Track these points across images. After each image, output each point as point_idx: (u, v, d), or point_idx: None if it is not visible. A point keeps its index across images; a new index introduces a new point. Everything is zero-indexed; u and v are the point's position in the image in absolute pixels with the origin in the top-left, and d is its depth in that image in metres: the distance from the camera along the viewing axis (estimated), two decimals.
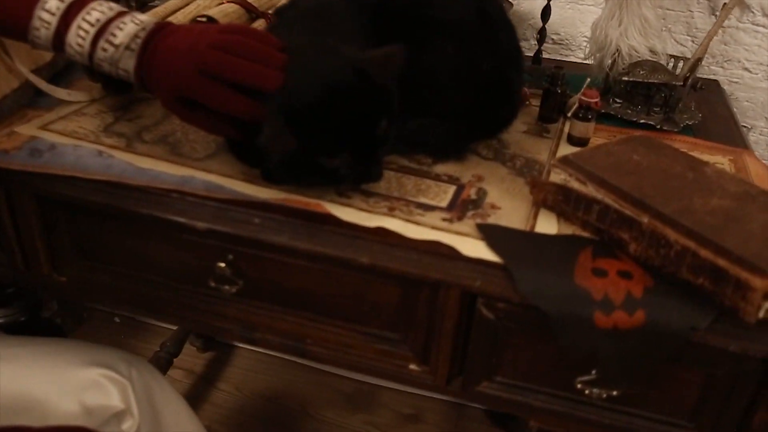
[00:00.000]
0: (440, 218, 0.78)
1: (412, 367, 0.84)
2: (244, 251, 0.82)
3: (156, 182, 0.81)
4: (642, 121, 1.03)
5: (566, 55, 1.35)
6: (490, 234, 0.75)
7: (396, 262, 0.74)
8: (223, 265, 0.83)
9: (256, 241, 0.78)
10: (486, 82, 0.86)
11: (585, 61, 1.21)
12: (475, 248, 0.73)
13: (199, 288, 0.87)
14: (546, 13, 1.16)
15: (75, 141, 0.89)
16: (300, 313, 0.86)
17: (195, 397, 1.81)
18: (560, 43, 1.35)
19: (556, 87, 1.00)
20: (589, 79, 0.99)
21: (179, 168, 0.84)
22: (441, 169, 0.88)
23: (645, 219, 0.69)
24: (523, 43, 1.29)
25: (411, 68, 0.74)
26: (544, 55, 1.30)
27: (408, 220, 0.77)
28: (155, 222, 0.81)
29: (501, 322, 0.75)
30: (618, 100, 1.06)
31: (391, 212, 0.78)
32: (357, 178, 0.77)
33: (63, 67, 1.06)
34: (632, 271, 0.70)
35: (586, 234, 0.76)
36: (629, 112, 1.05)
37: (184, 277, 0.89)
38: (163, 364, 1.61)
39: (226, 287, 0.85)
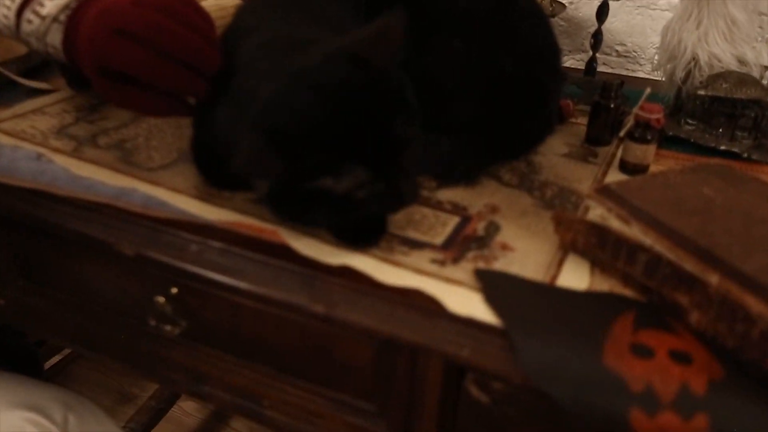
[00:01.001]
0: (429, 259, 0.58)
1: None
2: (190, 284, 0.66)
3: (87, 194, 0.67)
4: (723, 147, 0.80)
5: (633, 70, 1.12)
6: (492, 284, 0.55)
7: (359, 314, 0.55)
8: (162, 300, 0.67)
9: (195, 274, 0.61)
10: (508, 87, 0.66)
11: (654, 77, 0.98)
12: (467, 303, 0.53)
13: (142, 325, 0.71)
14: (603, 11, 0.95)
15: (18, 142, 0.76)
16: (256, 367, 0.69)
17: None
18: (626, 56, 1.13)
19: (608, 100, 0.79)
20: (649, 90, 0.77)
21: (122, 178, 0.70)
22: (446, 195, 0.69)
23: (714, 278, 0.47)
24: (579, 56, 1.08)
25: (409, 69, 0.56)
26: (606, 70, 1.09)
27: (384, 260, 0.58)
28: (85, 241, 0.66)
29: (497, 408, 0.54)
30: (691, 121, 0.83)
31: (366, 249, 0.60)
32: (382, 203, 0.56)
33: (39, 63, 0.95)
34: (692, 353, 0.48)
35: (627, 293, 0.54)
36: (706, 136, 0.82)
37: (125, 310, 0.73)
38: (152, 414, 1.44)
39: (168, 327, 0.68)
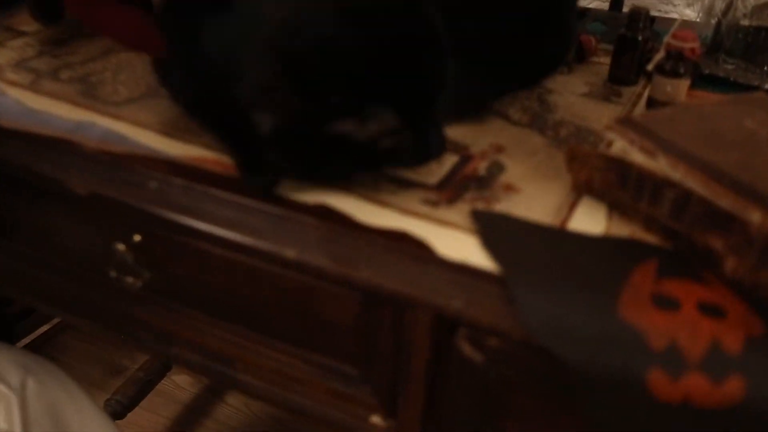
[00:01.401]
0: (420, 199, 0.52)
1: (375, 420, 0.59)
2: (152, 230, 0.61)
3: (40, 127, 0.61)
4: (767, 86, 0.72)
5: (666, 12, 1.04)
6: (490, 226, 0.49)
7: (334, 259, 0.49)
8: (122, 247, 0.62)
9: (155, 216, 0.56)
10: (513, 5, 0.59)
11: (688, 16, 0.90)
12: (460, 247, 0.47)
13: (103, 278, 0.66)
14: None
15: None
16: (228, 326, 0.64)
17: (197, 411, 1.63)
18: None
19: (636, 32, 0.71)
20: (681, 19, 0.69)
21: (82, 112, 0.65)
22: (448, 132, 0.62)
23: (756, 216, 0.41)
24: None
25: None
26: None
27: (368, 198, 0.52)
28: (37, 181, 0.61)
29: (493, 368, 0.48)
30: (731, 60, 0.76)
31: (347, 186, 0.54)
32: (409, 156, 0.51)
33: None
34: (726, 306, 0.42)
35: (650, 238, 0.48)
36: (749, 75, 0.74)
37: (85, 260, 0.68)
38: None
39: (129, 279, 0.63)
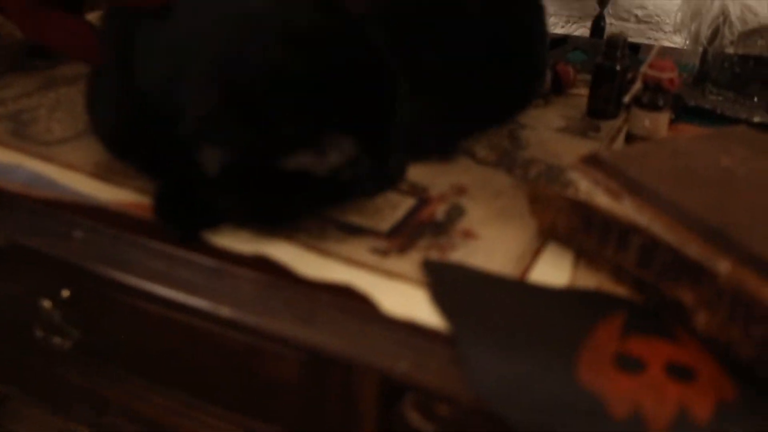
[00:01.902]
0: (369, 248, 0.51)
1: None
2: (81, 284, 0.59)
3: None
4: (757, 119, 0.72)
5: (656, 39, 1.05)
6: (443, 278, 0.48)
7: (273, 317, 0.48)
8: (48, 304, 0.60)
9: (81, 268, 0.55)
10: (478, 28, 0.59)
11: (677, 44, 0.91)
12: (408, 302, 0.46)
13: (30, 338, 0.64)
14: None
15: None
16: (166, 391, 0.62)
17: None
18: (647, 21, 1.05)
19: (614, 61, 0.71)
20: (660, 45, 0.70)
21: (9, 153, 0.64)
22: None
23: (724, 265, 0.40)
24: (589, 22, 1.02)
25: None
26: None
27: (312, 247, 0.51)
28: None
29: None
30: (718, 91, 0.76)
31: (290, 233, 0.53)
32: (370, 184, 0.50)
33: None
34: (696, 367, 0.41)
35: (619, 291, 0.47)
36: (737, 106, 0.74)
37: (11, 321, 0.67)
38: None
39: (57, 339, 0.61)
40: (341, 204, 0.53)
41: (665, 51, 0.81)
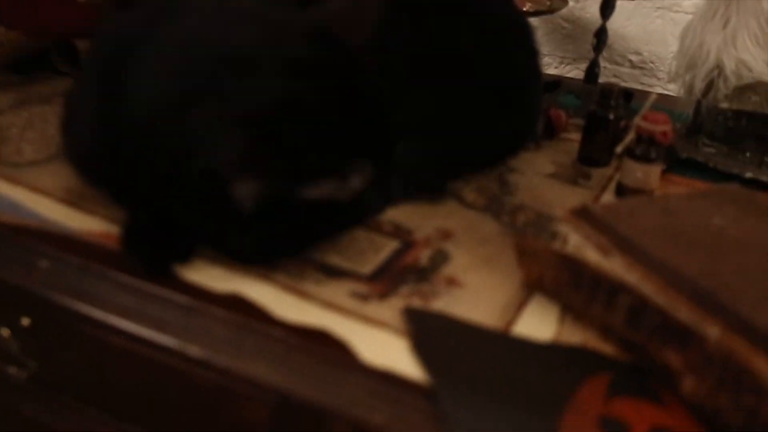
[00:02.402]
0: (348, 292, 0.52)
1: None
2: (45, 314, 0.58)
3: None
4: (749, 175, 0.74)
5: (650, 86, 1.07)
6: (424, 328, 0.48)
7: (245, 359, 0.48)
8: (6, 332, 0.59)
9: (44, 299, 0.54)
10: (471, 72, 0.60)
11: (672, 93, 0.93)
12: (387, 351, 0.47)
13: None
14: (608, 5, 0.89)
15: None
16: (127, 428, 0.60)
17: None
18: (641, 67, 1.08)
19: (607, 110, 0.73)
20: (655, 96, 0.71)
21: None
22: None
23: (714, 331, 0.41)
24: (585, 65, 1.04)
25: None
26: (618, 83, 1.03)
27: (289, 288, 0.51)
28: None
29: None
30: (712, 142, 0.77)
31: (268, 272, 0.53)
32: (378, 204, 0.57)
33: None
34: None
35: (606, 349, 0.47)
36: (729, 161, 0.76)
37: None
38: None
39: (13, 369, 0.60)
40: (358, 225, 0.57)
41: (660, 100, 0.82)
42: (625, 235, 0.49)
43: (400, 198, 0.60)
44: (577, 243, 0.50)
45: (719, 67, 0.78)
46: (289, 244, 0.53)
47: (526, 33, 0.68)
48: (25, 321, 0.59)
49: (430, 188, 0.64)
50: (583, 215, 0.51)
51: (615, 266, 0.46)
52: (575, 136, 0.81)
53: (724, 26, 0.79)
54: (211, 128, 0.46)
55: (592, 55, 1.03)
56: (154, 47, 0.51)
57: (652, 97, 0.71)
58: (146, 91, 0.50)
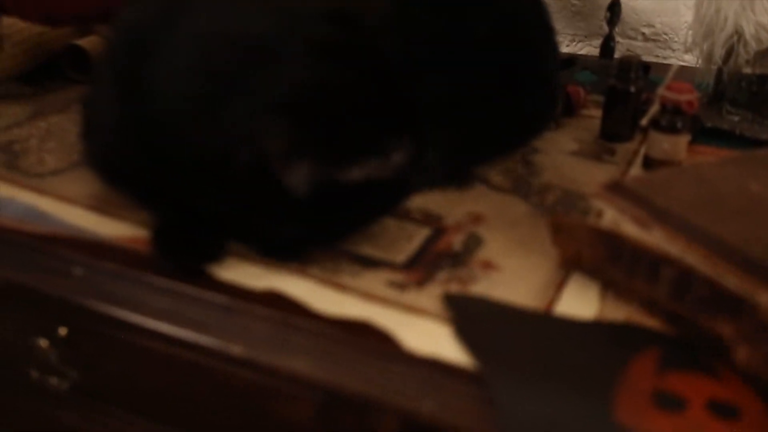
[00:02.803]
0: (385, 282, 0.51)
1: None
2: (81, 323, 0.58)
3: None
4: None
5: (665, 57, 1.06)
6: (466, 313, 0.48)
7: (288, 356, 0.47)
8: (45, 343, 0.59)
9: (81, 307, 0.54)
10: (488, 54, 0.59)
11: (688, 63, 0.92)
12: (431, 339, 0.46)
13: (23, 379, 0.63)
14: None
15: None
16: None
17: None
18: (654, 39, 1.06)
19: (627, 83, 0.72)
20: (677, 66, 0.70)
21: (1, 186, 0.64)
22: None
23: (765, 298, 0.40)
24: (597, 41, 1.03)
25: None
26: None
27: (326, 282, 0.51)
28: None
29: None
30: (735, 110, 0.76)
31: (303, 267, 0.52)
32: (418, 176, 0.54)
33: None
34: (740, 404, 0.40)
35: (650, 323, 0.47)
36: (755, 126, 0.75)
37: (5, 361, 0.65)
38: None
39: (54, 380, 0.60)
40: (401, 203, 0.57)
41: (677, 70, 0.81)
42: (663, 206, 0.48)
43: (437, 178, 0.59)
44: (614, 218, 0.49)
45: (738, 33, 0.77)
46: (338, 228, 0.54)
47: (541, 10, 0.67)
48: (63, 330, 0.59)
49: (459, 175, 0.63)
50: (616, 190, 0.51)
51: (656, 238, 0.46)
52: (595, 113, 0.80)
53: None
54: (249, 120, 0.46)
55: (603, 31, 1.02)
56: (174, 44, 0.50)
57: (675, 67, 0.70)
58: (172, 90, 0.49)
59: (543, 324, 0.47)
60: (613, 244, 0.48)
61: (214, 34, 0.50)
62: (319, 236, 0.54)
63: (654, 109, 0.67)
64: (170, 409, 0.60)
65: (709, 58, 0.81)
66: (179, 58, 0.49)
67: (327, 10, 0.50)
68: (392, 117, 0.49)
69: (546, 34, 0.66)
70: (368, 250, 0.55)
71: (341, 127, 0.47)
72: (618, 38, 1.06)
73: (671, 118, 0.65)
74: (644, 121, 0.68)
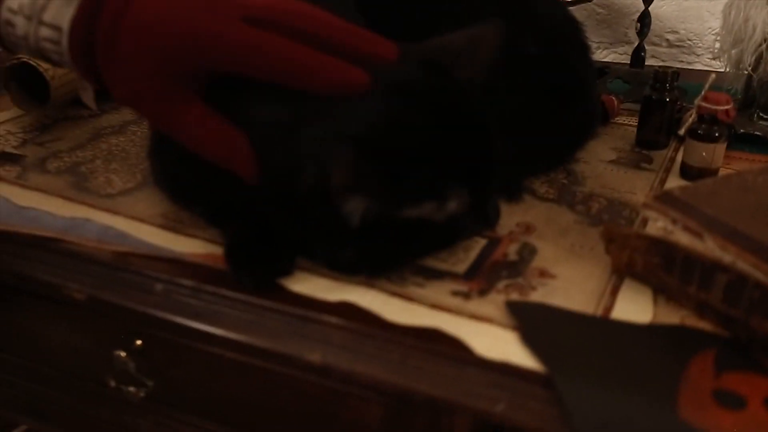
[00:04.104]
0: (450, 291, 0.54)
1: None
2: (156, 334, 0.62)
3: (30, 227, 0.63)
4: None
5: (688, 62, 1.09)
6: (530, 320, 0.50)
7: (364, 363, 0.50)
8: (123, 354, 0.63)
9: (161, 321, 0.57)
10: (533, 74, 0.62)
11: (714, 68, 0.94)
12: (500, 344, 0.49)
13: (100, 388, 0.67)
14: None
15: None
16: None
17: None
18: (679, 45, 1.09)
19: (663, 93, 0.75)
20: (714, 76, 0.73)
21: (75, 207, 0.67)
22: None
23: None
24: (623, 48, 1.05)
25: None
26: (655, 63, 1.05)
27: (394, 293, 0.54)
28: (28, 286, 0.63)
29: None
30: (765, 115, 0.79)
31: (370, 281, 0.55)
32: (473, 227, 0.59)
33: None
34: None
35: (704, 326, 0.50)
36: None
37: (80, 370, 0.69)
38: None
39: (131, 389, 0.64)
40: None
41: (704, 77, 0.84)
42: (712, 214, 0.51)
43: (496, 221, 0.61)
44: (665, 227, 0.52)
45: (766, 40, 0.80)
46: (386, 258, 0.56)
47: (578, 29, 0.71)
48: (138, 342, 0.63)
49: (511, 188, 0.66)
50: (666, 200, 0.54)
51: (709, 246, 0.49)
52: (628, 120, 0.83)
53: None
54: (321, 146, 0.49)
55: (627, 38, 1.05)
56: None
57: (712, 77, 0.72)
58: (257, 114, 0.52)
59: (603, 328, 0.50)
60: (666, 252, 0.51)
61: None
62: (372, 264, 0.56)
63: (692, 118, 0.70)
64: (243, 415, 0.63)
65: (737, 64, 0.84)
66: (265, 85, 0.52)
67: (422, 57, 0.52)
68: (457, 168, 0.51)
69: (584, 52, 0.69)
70: (430, 261, 0.58)
71: (403, 168, 0.49)
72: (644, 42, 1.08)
73: (708, 128, 0.67)
74: (682, 131, 0.71)
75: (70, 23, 0.52)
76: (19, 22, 0.54)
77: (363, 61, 0.50)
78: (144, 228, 0.63)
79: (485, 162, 0.53)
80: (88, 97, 0.63)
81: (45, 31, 0.53)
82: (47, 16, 0.53)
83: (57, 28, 0.53)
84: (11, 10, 0.54)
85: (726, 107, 0.66)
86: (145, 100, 0.51)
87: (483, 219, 0.56)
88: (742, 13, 0.82)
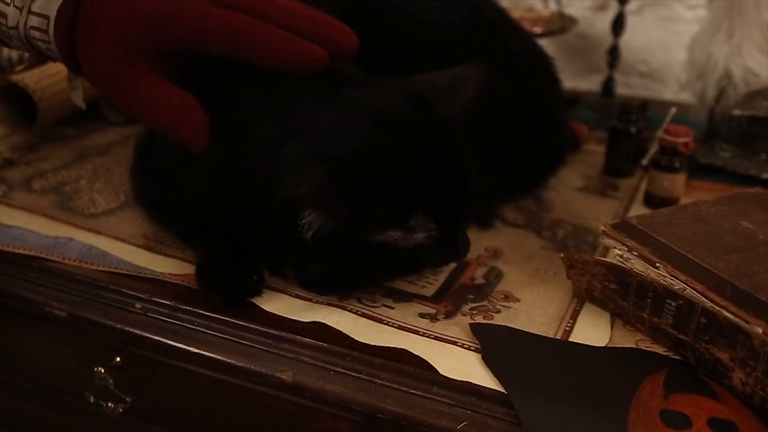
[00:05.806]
0: (417, 313, 0.56)
1: None
2: (135, 352, 0.63)
3: (13, 245, 0.65)
4: (765, 176, 0.78)
5: (657, 92, 1.12)
6: (492, 341, 0.53)
7: (333, 382, 0.52)
8: (102, 370, 0.64)
9: (140, 338, 0.59)
10: (505, 109, 0.65)
11: (682, 99, 0.98)
12: (463, 365, 0.51)
13: (80, 403, 0.68)
14: (619, 24, 0.95)
15: None
16: None
17: None
18: (649, 76, 1.13)
19: (628, 124, 0.77)
20: (674, 110, 0.76)
21: (58, 226, 0.68)
22: None
23: (760, 327, 0.45)
24: (596, 77, 1.08)
25: None
26: (627, 92, 1.08)
27: (364, 314, 0.56)
28: (9, 303, 0.64)
29: None
30: (728, 147, 0.82)
31: (342, 301, 0.57)
32: (441, 258, 0.58)
33: None
34: (738, 422, 0.45)
35: (656, 349, 0.52)
36: (746, 163, 0.80)
37: (60, 385, 0.70)
38: None
39: (110, 404, 0.65)
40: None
41: (675, 107, 0.87)
42: (666, 244, 0.53)
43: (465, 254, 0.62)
44: (622, 254, 0.54)
45: (728, 76, 0.83)
46: (352, 278, 0.57)
47: (547, 64, 0.74)
48: (117, 359, 0.64)
49: (484, 216, 0.69)
50: (623, 228, 0.56)
51: (661, 273, 0.51)
52: (597, 148, 0.86)
53: (730, 38, 0.84)
54: (298, 162, 0.50)
55: (602, 66, 1.08)
56: (249, 87, 0.55)
57: (672, 111, 0.75)
58: (250, 132, 0.54)
59: (561, 350, 0.52)
60: (622, 278, 0.53)
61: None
62: (339, 281, 0.58)
63: (654, 150, 0.72)
64: (219, 430, 0.64)
65: (702, 97, 0.88)
66: (258, 103, 0.54)
67: (410, 93, 0.54)
68: (429, 200, 0.52)
69: (554, 85, 0.72)
70: (400, 284, 0.60)
71: (372, 194, 0.50)
72: (615, 75, 1.12)
73: (670, 159, 0.70)
74: (645, 162, 0.74)
75: (57, 11, 0.54)
76: (10, 12, 0.56)
77: (324, 44, 0.52)
78: (125, 248, 0.65)
79: (459, 196, 0.54)
80: (77, 96, 0.64)
81: (34, 20, 0.55)
82: (36, 6, 0.55)
83: (45, 17, 0.55)
84: (3, 2, 0.56)
85: (686, 140, 0.69)
86: (107, 74, 0.53)
87: (452, 250, 0.57)
88: (705, 49, 0.85)
